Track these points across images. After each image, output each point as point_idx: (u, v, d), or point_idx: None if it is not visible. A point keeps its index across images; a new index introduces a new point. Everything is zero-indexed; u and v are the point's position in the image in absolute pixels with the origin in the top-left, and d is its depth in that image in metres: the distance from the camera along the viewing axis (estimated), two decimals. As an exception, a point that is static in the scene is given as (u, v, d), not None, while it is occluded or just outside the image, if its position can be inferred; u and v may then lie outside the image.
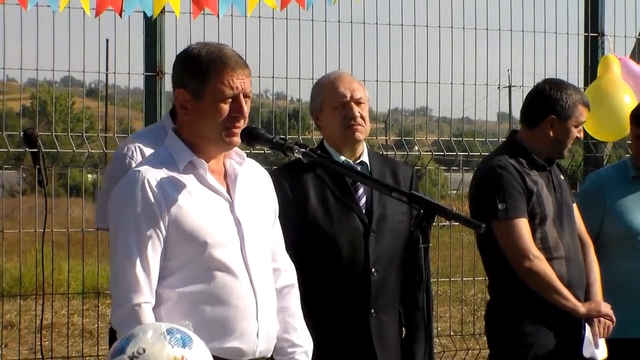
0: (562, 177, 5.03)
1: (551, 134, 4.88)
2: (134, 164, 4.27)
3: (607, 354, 4.88)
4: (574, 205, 5.07)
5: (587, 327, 4.81)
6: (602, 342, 4.86)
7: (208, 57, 3.46)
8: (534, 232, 4.79)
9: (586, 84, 7.25)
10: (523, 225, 4.75)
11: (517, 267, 4.74)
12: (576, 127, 4.91)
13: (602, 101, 6.03)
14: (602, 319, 4.83)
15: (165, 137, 4.37)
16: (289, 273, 3.76)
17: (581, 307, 4.80)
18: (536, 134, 4.92)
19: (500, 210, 4.75)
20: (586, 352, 4.79)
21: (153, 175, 3.41)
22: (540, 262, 4.73)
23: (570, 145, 4.98)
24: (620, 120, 6.20)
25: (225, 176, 3.56)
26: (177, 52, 3.65)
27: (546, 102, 4.90)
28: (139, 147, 4.34)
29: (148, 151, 4.31)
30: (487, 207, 4.80)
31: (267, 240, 3.61)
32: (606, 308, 4.86)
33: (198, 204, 3.44)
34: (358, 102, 4.45)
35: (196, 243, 3.40)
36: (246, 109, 3.46)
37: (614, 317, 4.85)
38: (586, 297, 4.91)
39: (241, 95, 3.45)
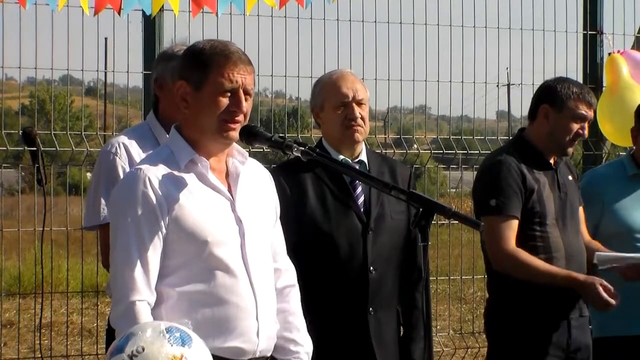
0: (570, 177, 4.99)
1: (547, 126, 4.86)
2: (118, 160, 4.30)
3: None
4: (580, 208, 5.04)
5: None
6: None
7: (211, 51, 3.47)
8: (533, 230, 4.77)
9: (585, 82, 7.25)
10: (510, 224, 4.72)
11: (495, 264, 4.75)
12: (574, 120, 4.84)
13: (620, 107, 5.99)
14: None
15: (149, 132, 4.39)
16: (290, 273, 3.76)
17: (579, 275, 4.71)
18: (535, 126, 4.91)
19: (490, 207, 4.74)
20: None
21: (154, 173, 3.40)
22: (520, 253, 4.69)
23: (572, 142, 4.89)
24: None
25: (227, 175, 3.55)
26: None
27: (541, 92, 4.94)
28: (122, 143, 4.35)
29: (133, 147, 4.34)
30: (481, 203, 4.82)
31: (267, 240, 3.61)
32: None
33: (199, 203, 3.43)
34: (359, 103, 4.44)
35: (197, 242, 3.40)
36: (245, 105, 3.45)
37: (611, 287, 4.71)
38: None
39: (241, 91, 3.45)
